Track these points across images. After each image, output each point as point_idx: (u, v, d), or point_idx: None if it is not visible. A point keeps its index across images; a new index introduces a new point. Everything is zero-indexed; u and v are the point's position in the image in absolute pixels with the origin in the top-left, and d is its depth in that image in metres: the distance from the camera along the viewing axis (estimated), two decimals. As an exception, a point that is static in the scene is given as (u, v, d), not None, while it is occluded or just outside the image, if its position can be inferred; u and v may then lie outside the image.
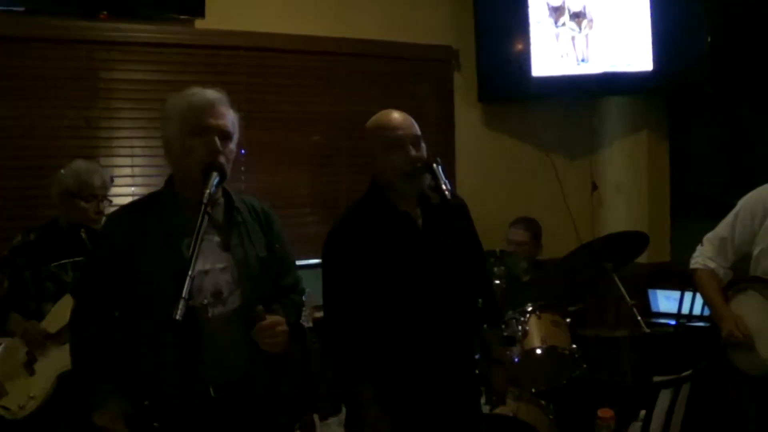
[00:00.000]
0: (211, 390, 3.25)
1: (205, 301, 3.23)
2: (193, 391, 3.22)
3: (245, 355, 3.30)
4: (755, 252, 4.14)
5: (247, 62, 6.12)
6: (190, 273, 2.94)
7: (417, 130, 3.68)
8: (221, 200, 3.40)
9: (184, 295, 2.90)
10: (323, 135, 6.38)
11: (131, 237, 3.22)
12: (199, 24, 5.95)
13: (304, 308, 5.08)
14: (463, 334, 3.60)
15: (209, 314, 3.24)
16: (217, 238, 3.33)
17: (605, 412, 3.90)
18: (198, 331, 3.19)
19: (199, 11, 5.89)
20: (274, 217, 3.59)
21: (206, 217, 3.08)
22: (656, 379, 4.66)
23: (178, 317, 2.87)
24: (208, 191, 3.13)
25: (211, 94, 3.38)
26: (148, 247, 3.19)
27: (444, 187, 3.48)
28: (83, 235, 4.70)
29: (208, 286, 3.26)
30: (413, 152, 3.61)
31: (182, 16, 5.90)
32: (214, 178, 3.19)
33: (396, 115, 3.73)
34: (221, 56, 6.05)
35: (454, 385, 3.66)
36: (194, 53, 5.98)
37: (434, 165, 3.53)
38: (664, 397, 4.37)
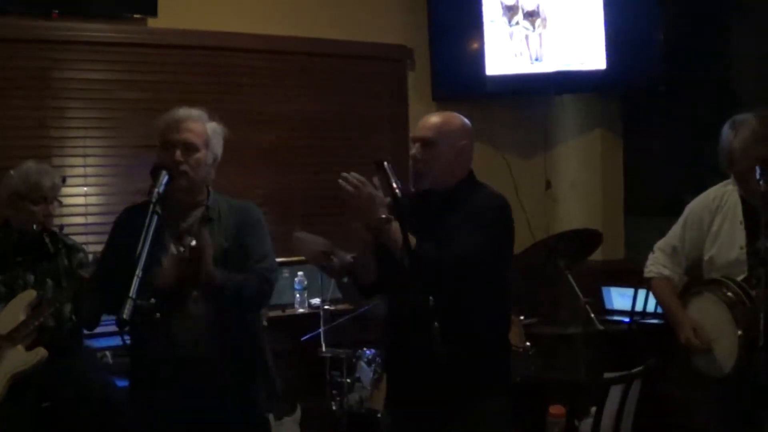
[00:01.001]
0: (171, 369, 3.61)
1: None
2: (164, 363, 3.62)
3: (206, 335, 3.67)
4: (706, 256, 4.18)
5: (200, 61, 6.13)
6: (137, 273, 3.15)
7: (425, 131, 3.80)
8: (205, 200, 3.82)
9: (131, 294, 3.10)
10: (278, 134, 6.41)
11: (129, 232, 3.45)
12: (152, 23, 5.96)
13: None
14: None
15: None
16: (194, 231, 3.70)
17: (556, 409, 3.96)
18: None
19: (152, 10, 5.89)
20: (252, 213, 3.95)
21: (155, 216, 3.31)
22: (607, 375, 4.71)
23: (125, 316, 3.06)
24: (156, 190, 3.42)
25: (182, 111, 3.80)
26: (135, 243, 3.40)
27: (395, 185, 3.53)
28: (46, 239, 4.71)
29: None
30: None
31: (135, 15, 5.91)
32: (163, 177, 3.50)
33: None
34: (174, 55, 6.07)
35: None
36: (147, 52, 6.00)
37: (385, 164, 3.57)
38: (614, 394, 4.42)
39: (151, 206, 3.35)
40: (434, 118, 3.82)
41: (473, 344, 3.71)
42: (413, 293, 3.48)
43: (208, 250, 3.56)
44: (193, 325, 3.68)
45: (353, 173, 3.55)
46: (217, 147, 3.85)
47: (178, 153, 3.69)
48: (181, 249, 3.62)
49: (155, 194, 3.40)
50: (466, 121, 3.86)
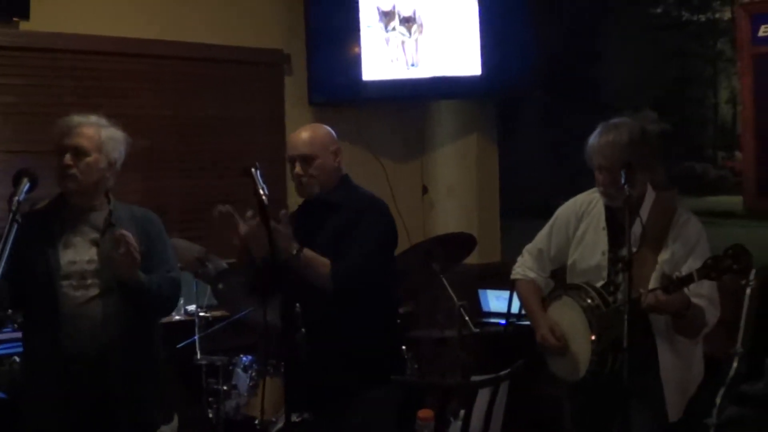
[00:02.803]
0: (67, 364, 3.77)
1: (72, 285, 3.82)
2: (53, 362, 3.78)
3: (103, 335, 3.82)
4: (570, 260, 4.27)
5: (72, 65, 6.07)
6: None
7: (304, 148, 4.17)
8: (105, 206, 3.98)
9: None
10: (152, 139, 6.38)
11: (30, 233, 3.69)
12: (24, 26, 5.88)
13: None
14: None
15: (72, 297, 3.82)
16: (92, 236, 3.90)
17: (425, 413, 4.04)
18: (63, 310, 3.78)
19: (24, 13, 5.81)
20: (155, 222, 4.17)
21: (14, 224, 3.39)
22: (474, 378, 4.81)
23: None
24: (16, 198, 3.50)
25: (77, 117, 3.96)
26: (33, 245, 3.75)
27: (261, 191, 3.63)
28: None
29: (74, 274, 3.84)
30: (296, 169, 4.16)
31: (6, 18, 5.84)
32: (24, 184, 3.56)
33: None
34: (45, 59, 5.98)
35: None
36: (18, 56, 5.91)
37: (252, 170, 3.68)
38: (483, 396, 4.51)
39: (11, 214, 3.42)
40: (304, 134, 4.24)
41: (360, 341, 4.07)
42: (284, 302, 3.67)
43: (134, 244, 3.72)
44: (90, 325, 3.80)
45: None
46: (114, 152, 3.99)
47: (67, 157, 3.83)
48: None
49: (15, 202, 3.47)
50: (328, 127, 4.31)
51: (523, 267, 4.45)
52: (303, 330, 3.59)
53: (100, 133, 3.94)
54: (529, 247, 4.48)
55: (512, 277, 4.51)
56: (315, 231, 4.09)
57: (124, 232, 3.73)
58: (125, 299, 3.87)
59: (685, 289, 3.72)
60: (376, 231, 4.15)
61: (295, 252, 3.91)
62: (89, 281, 3.86)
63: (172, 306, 4.29)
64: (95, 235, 3.92)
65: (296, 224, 4.07)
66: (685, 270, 3.78)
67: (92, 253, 3.89)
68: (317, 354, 3.82)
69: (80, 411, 3.79)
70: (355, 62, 6.91)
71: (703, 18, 5.96)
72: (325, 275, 3.97)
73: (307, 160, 4.13)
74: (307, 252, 3.96)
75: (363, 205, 4.19)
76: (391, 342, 4.41)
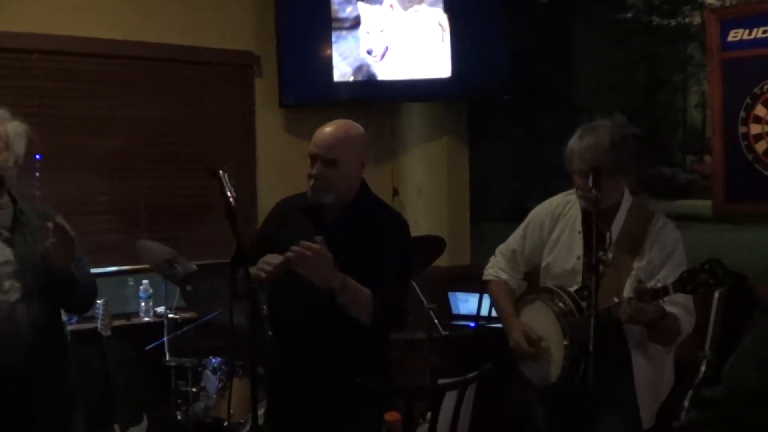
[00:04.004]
0: None
1: None
2: None
3: (27, 341, 3.68)
4: (544, 263, 4.22)
5: (41, 66, 6.04)
6: None
7: (325, 150, 3.75)
8: (9, 205, 3.77)
9: None
10: (122, 140, 6.36)
11: None
12: (-8, 26, 5.87)
13: (102, 316, 5.17)
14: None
15: None
16: (3, 236, 3.72)
17: (392, 416, 4.03)
18: None
19: (-9, 13, 5.81)
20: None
21: None
22: (441, 381, 4.81)
23: None
24: None
25: None
26: None
27: (228, 194, 3.58)
28: None
29: None
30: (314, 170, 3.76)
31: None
32: None
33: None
34: (13, 59, 5.96)
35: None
36: (-16, 56, 5.91)
37: (219, 173, 3.63)
38: (449, 399, 4.51)
39: None
40: (334, 131, 3.78)
41: (358, 362, 3.84)
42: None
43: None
44: (14, 329, 3.68)
45: (305, 243, 3.53)
46: (20, 148, 3.77)
47: None
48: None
49: None
50: (362, 128, 3.87)
51: (496, 268, 4.40)
52: (270, 332, 3.57)
53: (7, 129, 3.73)
54: (501, 247, 4.43)
55: (484, 277, 4.47)
56: (331, 240, 3.67)
57: (61, 220, 3.59)
58: (48, 301, 3.75)
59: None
60: (407, 254, 3.93)
61: (339, 284, 3.57)
62: (7, 284, 3.70)
63: (94, 300, 4.14)
64: (6, 234, 3.75)
65: (300, 228, 3.79)
66: (660, 277, 3.78)
67: (7, 253, 3.73)
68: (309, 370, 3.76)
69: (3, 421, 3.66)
70: (326, 64, 6.89)
71: (673, 23, 5.98)
72: (368, 311, 3.65)
73: (327, 163, 3.71)
74: (350, 282, 3.61)
75: (392, 224, 3.90)
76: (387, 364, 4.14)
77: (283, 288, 3.82)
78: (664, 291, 3.66)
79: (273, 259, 3.61)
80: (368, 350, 3.81)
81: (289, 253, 3.53)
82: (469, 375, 4.56)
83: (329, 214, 3.78)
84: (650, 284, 3.71)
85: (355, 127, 3.85)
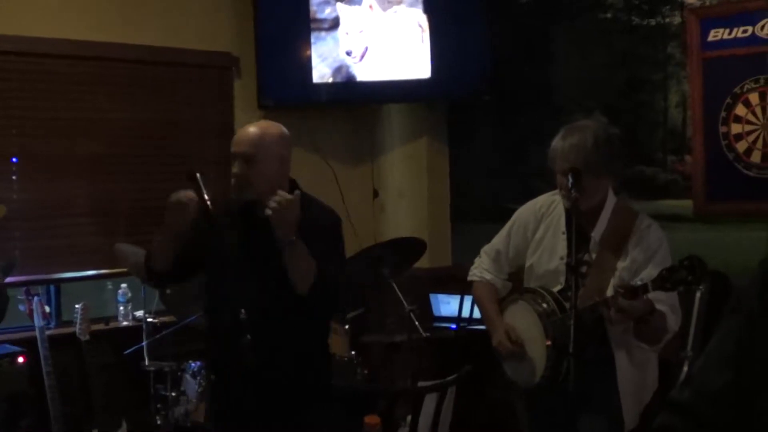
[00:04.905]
0: None
1: None
2: None
3: None
4: (527, 263, 4.22)
5: (18, 68, 5.97)
6: None
7: (248, 147, 3.80)
8: None
9: None
10: (101, 143, 6.31)
11: None
12: (-33, 28, 5.81)
13: (81, 320, 5.16)
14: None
15: None
16: None
17: (372, 419, 4.03)
18: None
19: (-34, 15, 5.75)
20: None
21: None
22: (421, 384, 4.79)
23: None
24: None
25: None
26: None
27: (206, 197, 3.58)
28: None
29: None
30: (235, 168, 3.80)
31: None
32: None
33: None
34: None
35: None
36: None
37: (197, 176, 3.63)
38: (429, 402, 4.50)
39: None
40: (252, 130, 3.84)
41: (302, 355, 3.85)
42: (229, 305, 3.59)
43: None
44: None
45: (285, 195, 3.60)
46: None
47: None
48: None
49: None
50: (284, 128, 3.92)
51: (480, 268, 4.39)
52: (249, 336, 3.55)
53: None
54: (486, 248, 4.43)
55: (469, 278, 4.46)
56: (258, 239, 3.79)
57: None
58: None
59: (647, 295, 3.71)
60: (341, 247, 3.99)
61: (294, 238, 3.61)
62: None
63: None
64: None
65: (235, 232, 3.87)
66: (644, 276, 3.78)
67: None
68: (262, 366, 3.74)
69: None
70: (305, 65, 6.86)
71: (653, 22, 5.98)
72: (309, 279, 3.65)
73: (247, 159, 3.78)
74: (302, 244, 3.65)
75: (327, 220, 3.98)
76: (328, 358, 4.19)
77: (219, 288, 3.89)
78: (643, 288, 3.66)
79: None
80: (309, 346, 3.88)
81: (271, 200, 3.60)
82: (449, 377, 4.54)
83: (261, 214, 3.75)
84: (632, 282, 3.71)
85: (274, 125, 3.92)
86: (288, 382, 3.80)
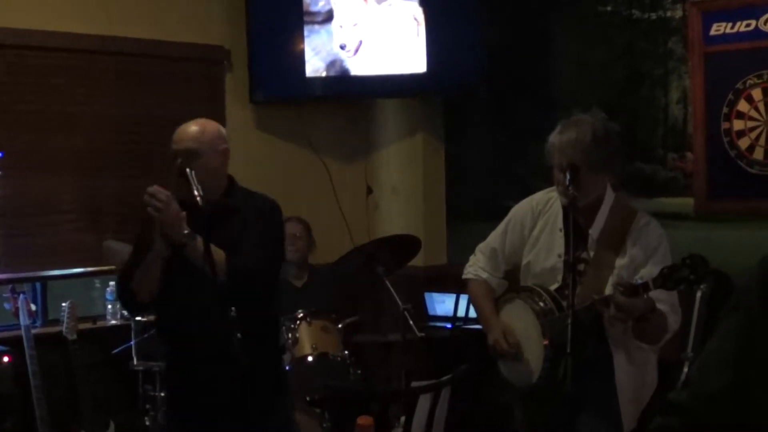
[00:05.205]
0: None
1: None
2: None
3: None
4: (524, 261, 4.21)
5: (2, 60, 5.94)
6: None
7: (189, 143, 3.93)
8: None
9: None
10: (88, 138, 6.29)
11: None
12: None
13: (68, 319, 5.16)
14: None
15: None
16: None
17: (364, 420, 4.03)
18: None
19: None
20: None
21: None
22: (414, 384, 4.79)
23: None
24: None
25: None
26: None
27: (196, 193, 3.62)
28: None
29: None
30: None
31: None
32: None
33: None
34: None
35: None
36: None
37: (187, 171, 3.67)
38: (423, 403, 4.50)
39: None
40: (192, 128, 4.00)
41: (266, 351, 3.99)
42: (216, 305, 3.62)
43: None
44: None
45: (158, 188, 3.70)
46: None
47: None
48: None
49: None
50: (219, 125, 4.11)
51: (476, 267, 4.38)
52: (239, 335, 3.57)
53: None
54: (482, 246, 4.42)
55: (464, 276, 4.45)
56: (206, 236, 3.79)
57: None
58: None
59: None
60: (275, 233, 4.07)
61: (186, 232, 3.70)
62: None
63: None
64: None
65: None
66: (644, 274, 3.78)
67: None
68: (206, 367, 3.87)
69: None
70: (298, 59, 6.84)
71: (654, 16, 5.98)
72: (221, 264, 3.72)
73: (189, 155, 3.90)
74: (199, 238, 3.73)
75: (265, 208, 4.08)
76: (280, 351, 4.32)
77: (170, 293, 3.95)
78: (644, 287, 3.66)
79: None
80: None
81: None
82: (444, 378, 4.55)
83: (203, 210, 3.82)
84: (632, 280, 3.71)
85: (211, 122, 4.10)
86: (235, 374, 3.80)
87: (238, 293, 3.74)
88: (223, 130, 4.11)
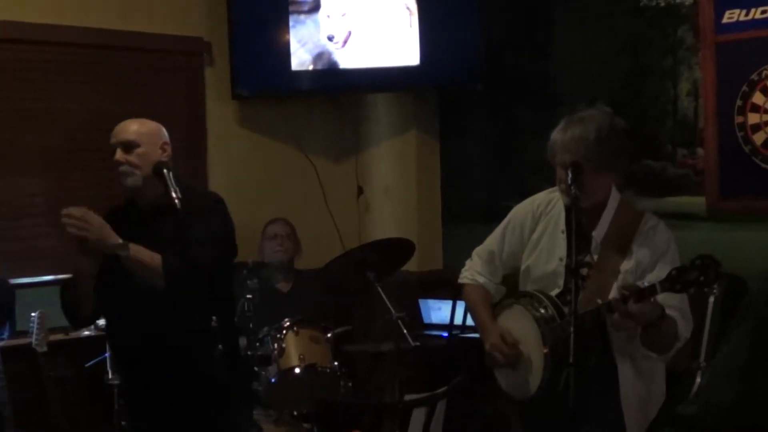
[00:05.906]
0: None
1: None
2: None
3: None
4: (523, 265, 4.19)
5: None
6: None
7: (129, 134, 4.06)
8: None
9: None
10: (60, 135, 6.26)
11: None
12: None
13: (37, 330, 5.15)
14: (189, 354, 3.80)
15: None
16: None
17: (354, 434, 4.06)
18: None
19: None
20: None
21: None
22: (408, 397, 4.78)
23: None
24: None
25: None
26: None
27: (174, 194, 3.61)
28: None
29: None
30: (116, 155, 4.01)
31: None
32: None
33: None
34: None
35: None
36: None
37: (164, 171, 3.66)
38: (418, 416, 4.49)
39: None
40: (131, 122, 4.15)
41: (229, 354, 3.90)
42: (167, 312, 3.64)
43: None
44: None
45: (72, 208, 3.78)
46: None
47: None
48: None
49: None
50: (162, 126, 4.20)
51: (472, 271, 4.35)
52: (220, 346, 3.55)
53: None
54: (479, 249, 4.38)
55: (460, 281, 4.41)
56: (145, 238, 3.89)
57: None
58: None
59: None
60: (219, 229, 4.06)
61: (120, 242, 3.76)
62: None
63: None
64: None
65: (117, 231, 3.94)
66: (651, 278, 3.74)
67: None
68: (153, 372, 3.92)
69: None
70: (283, 51, 6.82)
71: (662, 3, 5.94)
72: (157, 268, 3.78)
73: (128, 146, 4.03)
74: (134, 246, 3.79)
75: (205, 204, 4.10)
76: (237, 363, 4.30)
77: (115, 304, 4.08)
78: (651, 290, 3.62)
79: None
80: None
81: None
82: (439, 390, 4.53)
83: (144, 208, 4.05)
84: (638, 284, 3.67)
85: (151, 120, 4.24)
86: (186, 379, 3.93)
87: (181, 296, 3.82)
88: (164, 129, 4.21)
